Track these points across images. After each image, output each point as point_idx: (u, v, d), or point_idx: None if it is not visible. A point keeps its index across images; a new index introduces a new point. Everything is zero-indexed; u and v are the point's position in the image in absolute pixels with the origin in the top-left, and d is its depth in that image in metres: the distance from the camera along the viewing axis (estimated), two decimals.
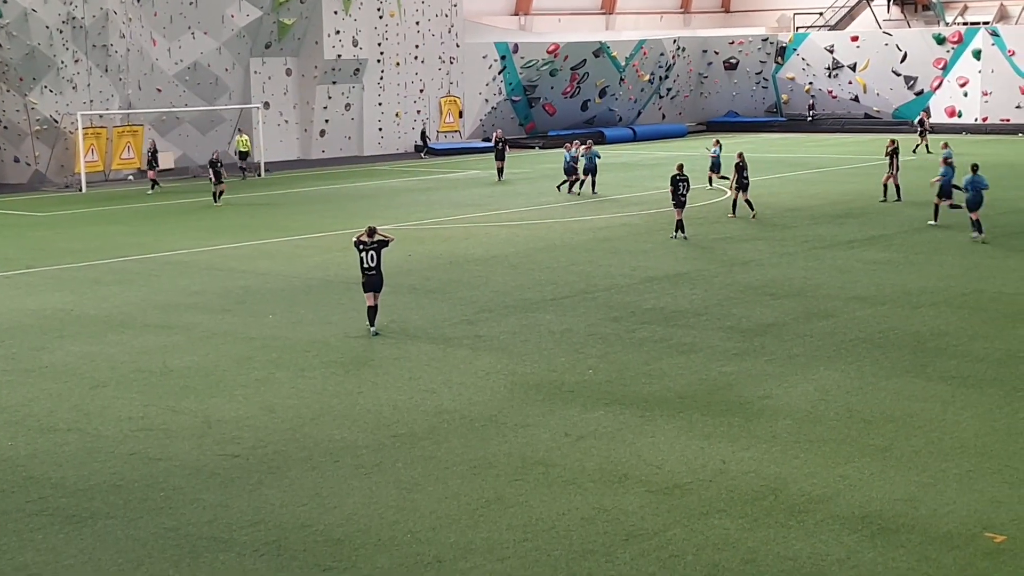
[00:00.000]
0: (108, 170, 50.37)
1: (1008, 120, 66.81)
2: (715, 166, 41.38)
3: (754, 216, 34.92)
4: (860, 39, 72.46)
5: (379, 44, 60.83)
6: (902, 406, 16.59)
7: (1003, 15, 71.71)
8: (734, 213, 35.55)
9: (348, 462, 14.76)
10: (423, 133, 62.16)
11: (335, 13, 58.17)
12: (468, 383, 18.26)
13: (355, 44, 59.21)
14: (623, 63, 70.41)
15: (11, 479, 14.43)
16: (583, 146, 43.74)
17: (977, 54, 67.72)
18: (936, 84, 69.62)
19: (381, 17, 60.76)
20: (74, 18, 48.00)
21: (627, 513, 12.89)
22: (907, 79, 70.68)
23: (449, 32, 64.29)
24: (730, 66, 76.06)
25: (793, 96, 74.75)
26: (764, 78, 75.70)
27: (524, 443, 15.33)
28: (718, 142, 43.12)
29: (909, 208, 36.38)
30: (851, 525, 12.43)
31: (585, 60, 68.63)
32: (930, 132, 57.44)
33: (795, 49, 74.46)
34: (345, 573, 11.58)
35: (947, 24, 72.18)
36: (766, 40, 75.85)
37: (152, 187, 46.86)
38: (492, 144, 50.84)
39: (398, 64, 62.05)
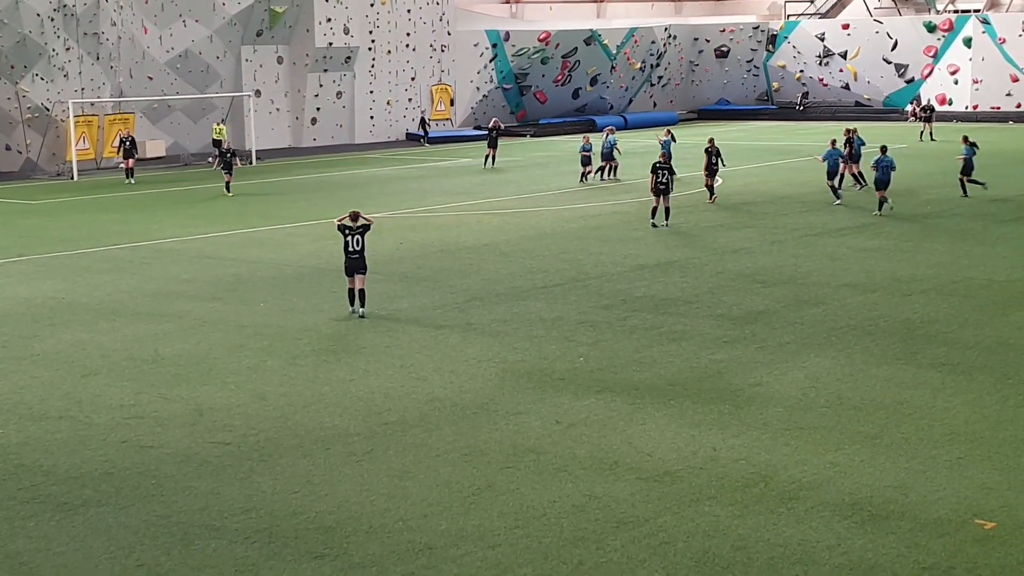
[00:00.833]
0: (99, 158, 50.29)
1: (998, 108, 66.90)
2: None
3: (712, 200, 35.63)
4: (851, 27, 72.49)
5: (370, 32, 60.74)
6: (892, 393, 16.63)
7: (994, 3, 71.68)
8: (712, 199, 35.93)
9: (339, 450, 14.78)
10: (423, 121, 62.02)
11: (326, 1, 58.03)
12: (459, 371, 18.28)
13: (346, 32, 59.08)
14: (614, 51, 70.36)
15: (2, 467, 14.43)
16: (607, 130, 45.00)
17: (968, 42, 67.77)
18: (927, 72, 69.69)
19: (372, 5, 60.67)
20: (65, 5, 47.87)
21: (618, 500, 12.92)
22: (898, 67, 70.76)
23: (440, 20, 64.19)
24: (721, 54, 76.06)
25: (784, 84, 74.81)
26: (755, 66, 75.74)
27: (515, 431, 15.35)
28: (669, 131, 44.06)
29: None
30: (841, 512, 12.47)
31: (576, 48, 68.53)
32: (929, 120, 57.53)
33: (786, 37, 74.51)
34: (336, 560, 11.61)
35: (938, 12, 72.22)
36: (757, 28, 75.89)
37: (127, 176, 45.60)
38: (487, 132, 50.88)
39: (389, 52, 61.97)
